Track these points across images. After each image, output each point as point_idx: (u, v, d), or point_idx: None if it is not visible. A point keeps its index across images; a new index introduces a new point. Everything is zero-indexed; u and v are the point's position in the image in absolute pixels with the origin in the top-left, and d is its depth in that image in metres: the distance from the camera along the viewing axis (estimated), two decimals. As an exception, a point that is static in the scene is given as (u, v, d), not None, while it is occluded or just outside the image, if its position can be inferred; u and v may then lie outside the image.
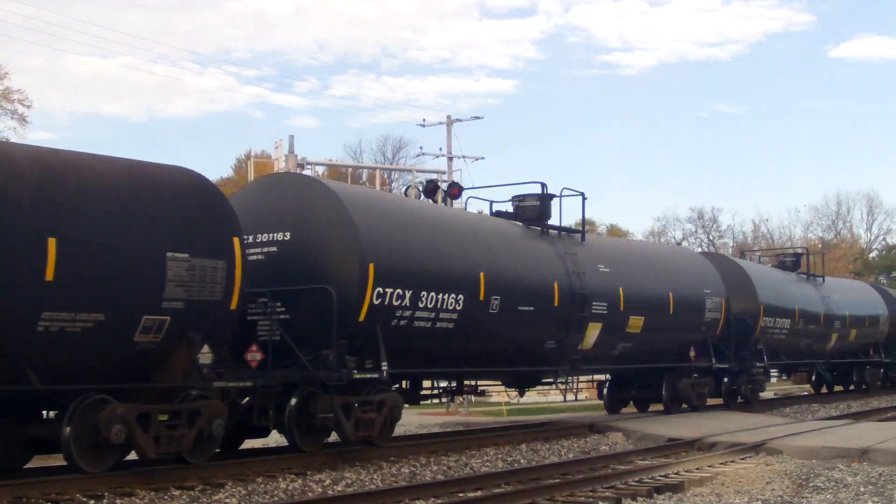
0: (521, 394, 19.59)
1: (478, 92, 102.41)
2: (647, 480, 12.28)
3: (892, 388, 34.99)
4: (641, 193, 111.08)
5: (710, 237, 75.75)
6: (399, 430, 19.68)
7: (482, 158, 39.85)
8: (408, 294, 14.25)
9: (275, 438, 19.64)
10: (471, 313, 15.41)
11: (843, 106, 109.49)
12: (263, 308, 13.61)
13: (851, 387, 33.31)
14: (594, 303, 18.41)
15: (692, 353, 22.03)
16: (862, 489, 11.74)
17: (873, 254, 73.26)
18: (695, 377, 22.44)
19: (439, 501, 10.73)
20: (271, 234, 14.07)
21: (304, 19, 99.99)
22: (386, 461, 13.98)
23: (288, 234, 13.96)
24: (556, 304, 17.45)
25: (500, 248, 16.70)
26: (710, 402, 24.13)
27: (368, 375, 13.86)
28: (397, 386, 15.92)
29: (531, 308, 16.83)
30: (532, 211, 18.43)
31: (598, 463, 14.09)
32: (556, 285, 17.53)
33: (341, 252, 13.69)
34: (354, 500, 10.57)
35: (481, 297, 15.62)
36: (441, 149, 38.59)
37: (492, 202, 18.96)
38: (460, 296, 15.16)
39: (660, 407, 22.35)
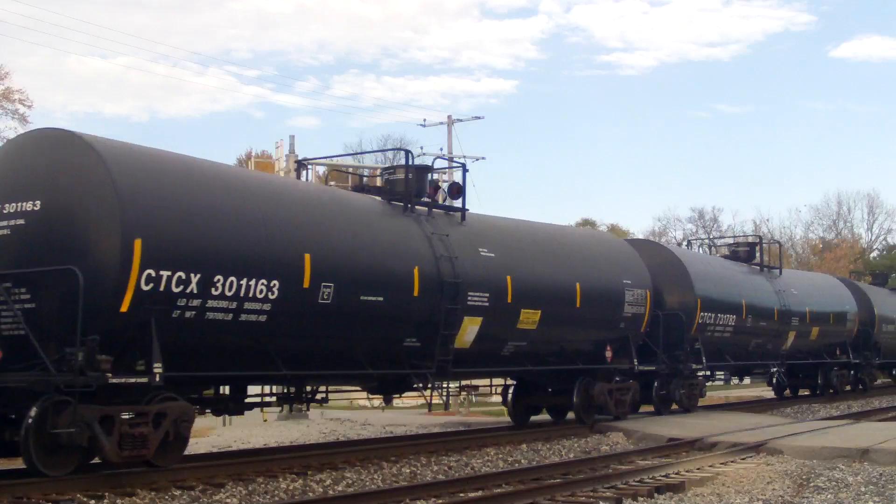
0: (388, 401, 16.66)
1: (478, 92, 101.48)
2: (648, 480, 12.22)
3: (863, 391, 32.09)
4: (642, 193, 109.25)
5: (711, 237, 73.79)
6: (399, 430, 19.35)
7: (483, 158, 40.31)
8: (195, 278, 11.36)
9: (276, 438, 19.01)
10: (291, 304, 12.52)
11: (843, 106, 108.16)
12: (5, 296, 10.89)
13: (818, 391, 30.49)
14: (471, 293, 15.35)
15: (608, 354, 18.86)
16: (863, 489, 11.68)
17: (874, 254, 71.31)
18: (617, 381, 19.33)
19: (440, 501, 10.66)
20: (19, 204, 11.21)
21: (306, 19, 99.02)
22: (386, 461, 13.84)
23: (37, 202, 11.11)
24: (415, 293, 14.42)
25: (338, 224, 13.68)
26: (644, 408, 21.38)
27: (134, 380, 10.99)
28: (210, 392, 13.21)
29: (380, 298, 13.88)
30: (401, 185, 15.43)
31: (599, 463, 14.02)
32: (416, 271, 14.49)
33: (97, 223, 10.85)
34: (355, 500, 10.47)
35: (306, 284, 12.69)
36: (442, 149, 38.98)
37: (362, 175, 16.50)
38: (275, 282, 12.25)
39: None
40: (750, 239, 29.84)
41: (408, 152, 15.83)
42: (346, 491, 11.34)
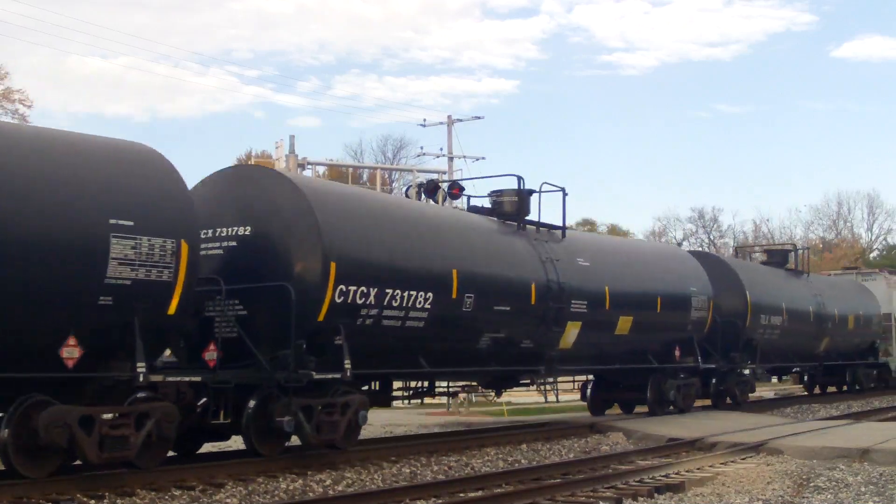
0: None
1: (479, 92, 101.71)
2: (648, 480, 12.21)
3: (734, 405, 22.94)
4: (642, 193, 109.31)
5: (711, 237, 74.91)
6: (399, 430, 19.19)
7: (483, 158, 40.33)
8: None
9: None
10: None
11: (843, 106, 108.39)
12: None
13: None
14: None
15: (74, 355, 10.27)
16: (863, 489, 11.67)
17: (874, 253, 71.42)
18: (142, 397, 10.98)
19: (440, 501, 10.65)
20: None
21: (306, 19, 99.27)
22: (386, 461, 13.76)
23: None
24: None
25: None
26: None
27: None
28: None
29: None
30: None
31: (599, 463, 13.99)
32: None
33: None
34: (355, 500, 10.47)
35: None
36: (442, 149, 38.98)
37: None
38: None
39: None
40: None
41: None
42: (346, 491, 11.29)
